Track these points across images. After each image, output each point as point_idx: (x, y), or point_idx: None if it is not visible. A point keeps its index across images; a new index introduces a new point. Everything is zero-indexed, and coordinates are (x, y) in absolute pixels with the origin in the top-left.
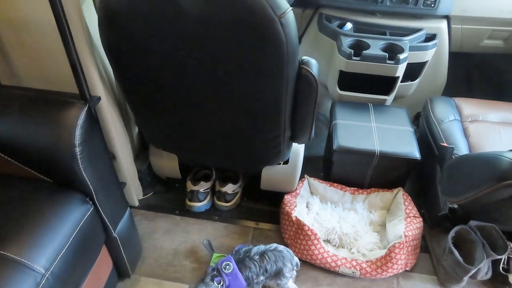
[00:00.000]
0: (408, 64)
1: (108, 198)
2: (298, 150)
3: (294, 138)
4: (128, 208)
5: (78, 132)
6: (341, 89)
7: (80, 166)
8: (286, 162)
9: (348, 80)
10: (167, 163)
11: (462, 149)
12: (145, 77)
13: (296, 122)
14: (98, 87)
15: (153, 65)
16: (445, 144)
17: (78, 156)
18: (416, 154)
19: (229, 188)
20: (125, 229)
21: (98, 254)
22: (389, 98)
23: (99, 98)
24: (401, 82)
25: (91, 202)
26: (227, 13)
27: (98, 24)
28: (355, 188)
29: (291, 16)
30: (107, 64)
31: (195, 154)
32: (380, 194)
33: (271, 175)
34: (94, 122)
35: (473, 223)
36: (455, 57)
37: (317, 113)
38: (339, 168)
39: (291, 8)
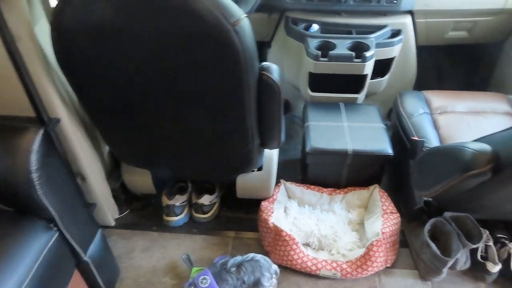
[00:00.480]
0: (376, 61)
1: (75, 222)
2: (271, 155)
3: (264, 144)
4: (99, 229)
5: (33, 158)
6: (312, 90)
7: (39, 192)
8: (260, 169)
9: (319, 81)
10: (140, 179)
11: (433, 142)
12: (105, 95)
13: (263, 129)
14: (58, 108)
15: (113, 83)
16: (416, 138)
17: (36, 182)
18: (389, 150)
19: (206, 199)
20: (97, 252)
21: (69, 280)
22: (360, 96)
23: (58, 120)
24: (371, 79)
25: (55, 228)
26: (180, 26)
27: (52, 42)
28: (332, 189)
29: (245, 23)
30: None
31: (167, 168)
32: (357, 192)
33: (246, 183)
34: (52, 146)
35: (447, 214)
36: (423, 50)
37: (292, 115)
38: (314, 170)
39: (245, 15)
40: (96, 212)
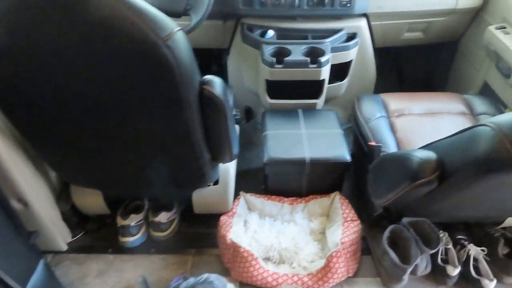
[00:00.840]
0: (333, 65)
1: (9, 255)
2: (227, 168)
3: (215, 159)
4: (42, 259)
5: None
6: (271, 97)
7: None
8: (216, 182)
9: (277, 88)
10: (91, 200)
11: (390, 146)
12: (39, 117)
13: (212, 144)
14: None
15: (44, 104)
16: (373, 143)
17: None
18: (346, 157)
19: (163, 216)
20: (40, 283)
21: None
22: (319, 102)
23: None
24: (330, 83)
25: None
26: (107, 43)
27: None
28: (294, 198)
29: (179, 37)
30: None
31: (117, 187)
32: (318, 201)
33: (202, 198)
34: None
35: (406, 220)
36: (382, 52)
37: (255, 122)
38: (274, 180)
39: (179, 28)
40: (43, 238)
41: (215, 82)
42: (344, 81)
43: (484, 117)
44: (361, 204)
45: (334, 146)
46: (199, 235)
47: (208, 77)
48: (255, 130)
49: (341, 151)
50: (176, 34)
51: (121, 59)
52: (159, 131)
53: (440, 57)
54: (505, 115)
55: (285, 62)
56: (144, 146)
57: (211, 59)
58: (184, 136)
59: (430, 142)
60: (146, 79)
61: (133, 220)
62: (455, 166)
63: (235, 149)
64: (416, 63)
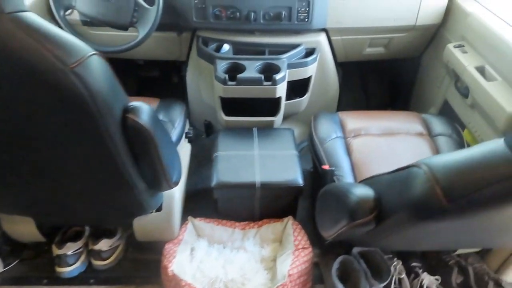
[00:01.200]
0: (292, 81)
1: None
2: (172, 194)
3: (152, 188)
4: None
5: None
6: (227, 114)
7: None
8: (160, 209)
9: (232, 104)
10: (23, 228)
11: (344, 169)
12: None
13: (145, 174)
14: None
15: None
16: (326, 167)
17: None
18: (299, 181)
19: (104, 244)
20: None
21: None
22: (277, 119)
23: None
24: (289, 99)
25: None
26: (15, 74)
27: None
28: (246, 222)
29: (92, 62)
30: None
31: (47, 215)
32: (271, 225)
33: (144, 226)
34: None
35: (356, 250)
36: (346, 67)
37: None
38: (225, 204)
39: (92, 52)
40: None
41: (142, 109)
42: (304, 97)
43: (441, 138)
44: (316, 229)
45: (286, 169)
46: (147, 262)
47: (134, 104)
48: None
49: (294, 175)
50: (89, 59)
51: (31, 90)
52: (82, 161)
53: (403, 73)
54: (439, 156)
55: (238, 79)
56: (70, 175)
57: (172, 71)
58: (110, 166)
59: (378, 172)
60: (60, 110)
61: (70, 248)
62: (391, 207)
63: (175, 176)
64: (381, 79)
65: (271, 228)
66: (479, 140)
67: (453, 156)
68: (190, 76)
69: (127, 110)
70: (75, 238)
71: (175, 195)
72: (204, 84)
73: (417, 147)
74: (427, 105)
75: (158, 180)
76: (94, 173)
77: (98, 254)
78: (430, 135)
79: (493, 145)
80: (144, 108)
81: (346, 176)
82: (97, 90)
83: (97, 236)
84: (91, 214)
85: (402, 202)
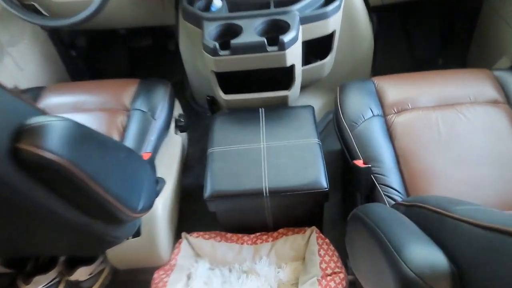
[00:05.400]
0: (308, 41)
1: None
2: (153, 215)
3: (111, 223)
4: None
5: None
6: (226, 92)
7: None
8: (138, 233)
9: (233, 78)
10: None
11: (386, 162)
12: None
13: (91, 211)
14: None
15: None
16: (359, 162)
17: None
18: (322, 183)
19: (82, 273)
20: None
21: None
22: (292, 93)
23: None
24: (307, 64)
25: None
26: None
27: None
28: (258, 235)
29: None
30: None
31: (5, 248)
32: (289, 239)
33: (121, 254)
34: None
35: None
36: (381, 12)
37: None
38: (226, 217)
39: None
40: None
41: (45, 131)
42: (327, 59)
43: None
44: None
45: (305, 167)
46: (143, 284)
47: (33, 122)
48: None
49: (315, 174)
50: None
51: None
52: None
53: (460, 15)
54: None
55: (232, 47)
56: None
57: (167, 37)
58: (39, 215)
59: (436, 168)
60: None
61: (40, 283)
62: None
63: (141, 203)
64: (429, 27)
65: (289, 241)
66: None
67: None
68: (183, 44)
69: (18, 137)
70: (46, 268)
71: (157, 213)
72: (198, 54)
73: (492, 123)
74: (494, 55)
75: (111, 215)
76: (35, 220)
77: (77, 286)
78: (510, 103)
79: None
80: (52, 128)
81: (389, 174)
82: None
83: (72, 264)
84: (59, 247)
85: None
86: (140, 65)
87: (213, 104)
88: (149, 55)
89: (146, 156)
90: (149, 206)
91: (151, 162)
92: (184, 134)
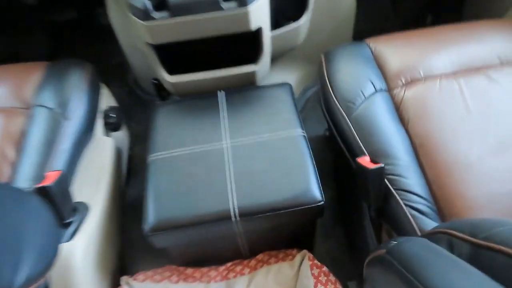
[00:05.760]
0: None
1: None
2: (68, 266)
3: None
4: None
5: None
6: (172, 72)
7: None
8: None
9: (180, 54)
10: None
11: (401, 160)
12: None
13: None
14: None
15: None
16: (364, 161)
17: None
18: (315, 194)
19: None
20: None
21: None
22: (261, 68)
23: None
24: (277, 27)
25: None
26: None
27: None
28: (229, 265)
29: None
30: None
31: None
32: (272, 269)
33: None
34: None
35: None
36: None
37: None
38: (181, 252)
39: None
40: None
41: None
42: (302, 20)
43: None
44: (357, 257)
45: (288, 172)
46: None
47: None
48: None
49: (304, 182)
50: None
51: None
52: None
53: None
54: None
55: (171, 6)
56: None
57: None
58: None
59: (471, 162)
60: None
61: None
62: None
63: (25, 270)
64: None
65: (273, 272)
66: None
67: None
68: (114, 15)
69: None
70: None
71: (75, 262)
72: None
73: None
74: (500, 2)
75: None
76: None
77: None
78: None
79: None
80: None
81: (407, 174)
82: None
83: None
84: None
85: None
86: (66, 46)
87: (162, 89)
88: (77, 32)
89: (51, 177)
90: (42, 269)
91: (63, 184)
92: (122, 133)
